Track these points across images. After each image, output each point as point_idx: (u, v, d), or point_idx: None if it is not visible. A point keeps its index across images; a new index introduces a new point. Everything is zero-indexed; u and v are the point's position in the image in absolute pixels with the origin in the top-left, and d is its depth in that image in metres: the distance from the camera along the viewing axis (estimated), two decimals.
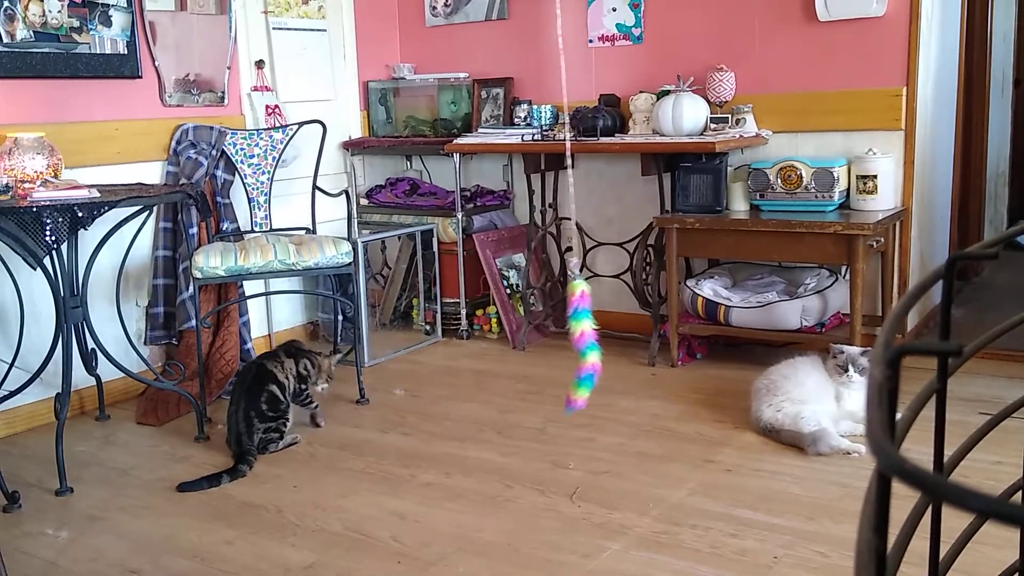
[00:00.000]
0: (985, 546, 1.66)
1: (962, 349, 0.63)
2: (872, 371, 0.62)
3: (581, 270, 4.57)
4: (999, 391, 3.48)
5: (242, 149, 4.09)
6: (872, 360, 0.65)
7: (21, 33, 3.44)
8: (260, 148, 4.12)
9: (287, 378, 3.32)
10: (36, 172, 3.14)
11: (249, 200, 4.13)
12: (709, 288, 3.94)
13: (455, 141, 4.49)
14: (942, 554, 0.99)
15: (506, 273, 4.61)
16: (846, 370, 3.13)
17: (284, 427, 3.28)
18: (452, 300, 4.68)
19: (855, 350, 3.20)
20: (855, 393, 3.12)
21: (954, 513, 0.65)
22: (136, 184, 3.60)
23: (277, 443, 3.25)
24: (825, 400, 3.12)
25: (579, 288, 2.32)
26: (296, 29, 4.53)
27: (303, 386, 3.40)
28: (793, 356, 3.30)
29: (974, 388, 3.48)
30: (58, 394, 3.07)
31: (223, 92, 4.21)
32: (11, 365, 3.30)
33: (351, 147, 4.90)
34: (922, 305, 4.19)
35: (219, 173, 4.06)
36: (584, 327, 2.33)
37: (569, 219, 4.61)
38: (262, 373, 3.28)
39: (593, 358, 2.34)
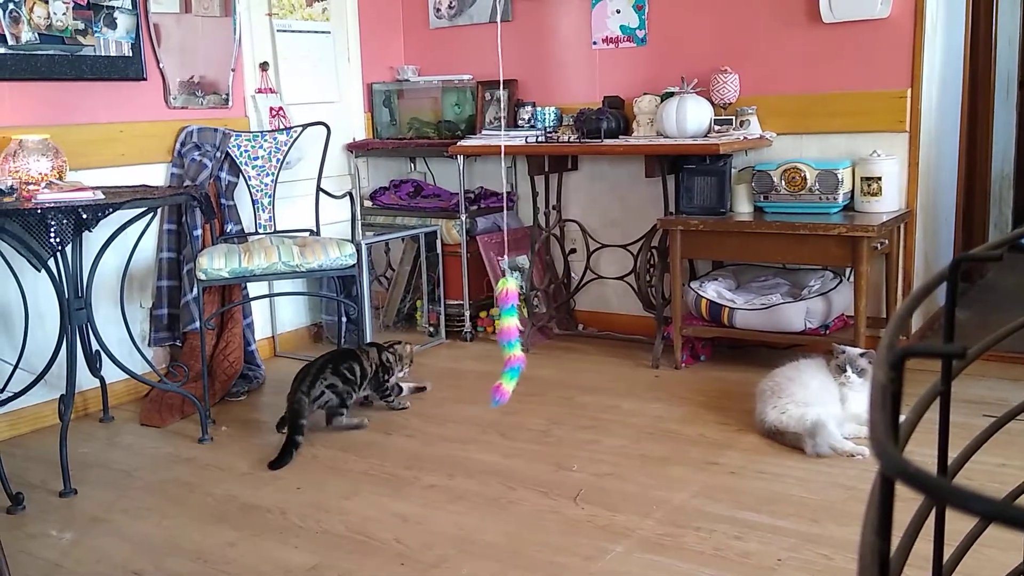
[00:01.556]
0: (989, 549, 1.66)
1: (966, 351, 0.62)
2: (876, 373, 0.62)
3: (585, 272, 4.58)
4: (1003, 393, 3.47)
5: (246, 151, 4.09)
6: (876, 362, 0.65)
7: (26, 35, 3.44)
8: (264, 150, 4.13)
9: (371, 367, 3.52)
10: (41, 174, 3.15)
11: (253, 202, 4.13)
12: (713, 290, 3.93)
13: (459, 143, 4.49)
14: (946, 557, 0.99)
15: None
16: (844, 371, 3.13)
17: (348, 400, 3.43)
18: (456, 302, 4.67)
19: (855, 351, 3.20)
20: (859, 395, 3.12)
21: (958, 516, 0.65)
22: (140, 186, 3.61)
23: (340, 417, 3.42)
24: (829, 402, 3.11)
25: (510, 285, 2.50)
26: (300, 31, 4.53)
27: (386, 376, 3.57)
28: (798, 358, 3.29)
29: (978, 390, 3.47)
30: (62, 395, 3.07)
31: (227, 94, 4.21)
32: (15, 367, 3.31)
33: (355, 149, 4.90)
34: (926, 307, 4.19)
35: (223, 175, 4.07)
36: (512, 322, 2.51)
37: (574, 221, 4.61)
38: (352, 352, 3.53)
39: (518, 351, 2.52)
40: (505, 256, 2.69)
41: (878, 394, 0.58)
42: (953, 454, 1.01)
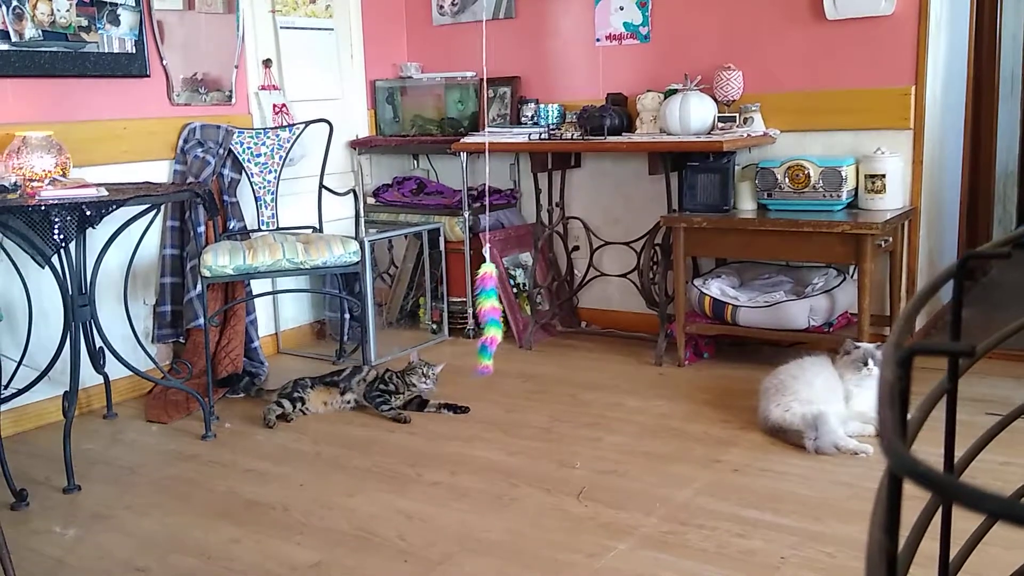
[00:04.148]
0: (994, 547, 1.66)
1: (975, 349, 0.62)
2: (884, 371, 0.62)
3: (588, 269, 4.58)
4: (1007, 392, 3.46)
5: (249, 148, 4.09)
6: (884, 360, 0.65)
7: (30, 32, 3.44)
8: (267, 147, 4.13)
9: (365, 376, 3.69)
10: (44, 171, 3.15)
11: (256, 199, 4.13)
12: (716, 287, 3.93)
13: (462, 140, 4.48)
14: (951, 555, 0.99)
15: (513, 272, 4.61)
16: (865, 364, 3.11)
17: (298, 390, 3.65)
18: (459, 299, 4.68)
19: (870, 345, 3.19)
20: (865, 393, 3.11)
21: (962, 514, 0.64)
22: (144, 183, 3.61)
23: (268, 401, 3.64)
24: (834, 400, 3.10)
25: (484, 271, 2.75)
26: (304, 28, 4.53)
27: (382, 387, 3.59)
28: (802, 356, 3.28)
29: (982, 388, 3.47)
30: (66, 392, 3.07)
31: (230, 91, 4.21)
32: (19, 363, 3.31)
33: (358, 146, 4.90)
34: (930, 305, 4.18)
35: (226, 172, 4.07)
36: (488, 304, 2.78)
37: (577, 218, 4.60)
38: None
39: (492, 332, 2.77)
40: (487, 246, 2.97)
41: (887, 392, 0.58)
42: (957, 452, 1.01)
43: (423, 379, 3.58)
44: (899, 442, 0.51)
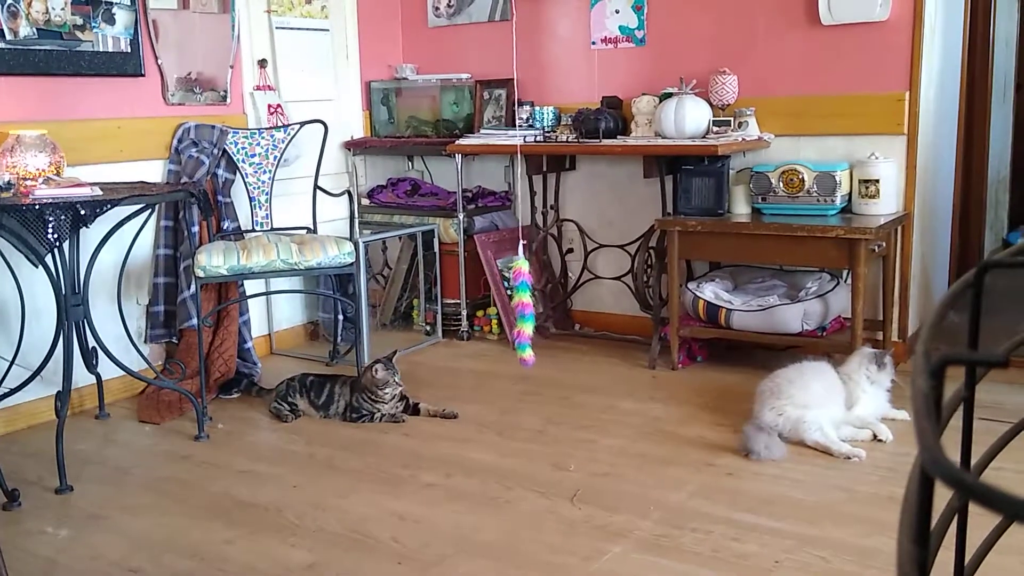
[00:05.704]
0: (1006, 555, 1.66)
1: (1008, 359, 0.62)
2: (915, 382, 0.62)
3: (582, 272, 4.58)
4: (999, 396, 3.47)
5: (243, 148, 4.08)
6: (914, 371, 0.65)
7: (24, 30, 3.42)
8: (262, 147, 4.11)
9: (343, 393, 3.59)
10: (38, 170, 3.13)
11: (250, 199, 4.12)
12: (710, 291, 3.94)
13: (457, 142, 4.48)
14: (966, 561, 0.99)
15: (507, 274, 4.60)
16: None
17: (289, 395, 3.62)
18: (453, 301, 4.67)
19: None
20: (869, 398, 3.13)
21: (973, 522, 0.64)
22: (138, 182, 3.59)
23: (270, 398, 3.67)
24: (830, 405, 3.11)
25: (520, 266, 2.89)
26: (299, 28, 4.52)
27: (358, 403, 3.51)
28: (801, 360, 3.27)
29: (978, 395, 3.47)
30: (59, 392, 3.06)
31: (225, 91, 4.20)
32: (12, 363, 3.29)
33: (353, 147, 4.89)
34: (923, 311, 4.19)
35: (220, 172, 4.05)
36: (523, 299, 2.91)
37: (572, 221, 4.60)
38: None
39: (520, 326, 2.95)
40: (522, 242, 3.12)
41: (922, 403, 0.58)
42: (953, 459, 1.01)
43: (396, 386, 3.48)
44: (942, 453, 0.51)
